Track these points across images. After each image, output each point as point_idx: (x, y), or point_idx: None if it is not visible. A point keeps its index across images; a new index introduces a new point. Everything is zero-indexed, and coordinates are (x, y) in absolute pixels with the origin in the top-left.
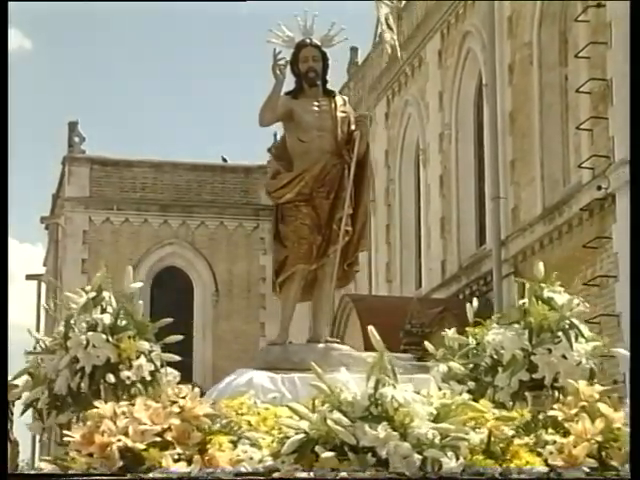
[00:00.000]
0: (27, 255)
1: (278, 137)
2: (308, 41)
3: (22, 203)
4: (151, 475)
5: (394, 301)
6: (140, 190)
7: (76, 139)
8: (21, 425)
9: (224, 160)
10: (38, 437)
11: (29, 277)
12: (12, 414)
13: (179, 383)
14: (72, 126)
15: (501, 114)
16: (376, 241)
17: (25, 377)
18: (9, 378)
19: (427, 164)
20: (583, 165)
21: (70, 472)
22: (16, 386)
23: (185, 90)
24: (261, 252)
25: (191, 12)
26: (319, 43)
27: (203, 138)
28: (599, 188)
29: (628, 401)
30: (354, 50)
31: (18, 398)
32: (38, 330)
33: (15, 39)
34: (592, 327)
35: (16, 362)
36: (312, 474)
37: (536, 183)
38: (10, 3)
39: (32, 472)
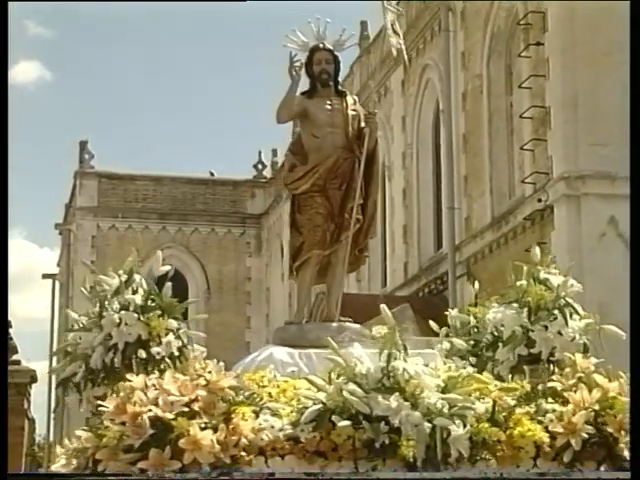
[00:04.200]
0: (46, 257)
1: (263, 154)
2: (321, 45)
3: (42, 213)
4: (165, 475)
5: (363, 298)
6: (142, 200)
7: (86, 156)
8: (36, 405)
9: (212, 174)
10: (53, 414)
11: (45, 276)
12: (29, 395)
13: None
14: (83, 145)
15: (456, 135)
16: None
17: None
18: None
19: (392, 179)
20: (526, 180)
21: (103, 441)
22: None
23: (187, 108)
24: (247, 255)
25: (203, 33)
26: (331, 47)
27: (199, 154)
28: (539, 200)
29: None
30: None
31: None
32: (53, 320)
33: (35, 71)
34: None
35: (33, 352)
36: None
37: (486, 196)
38: (31, 36)
39: (31, 472)
